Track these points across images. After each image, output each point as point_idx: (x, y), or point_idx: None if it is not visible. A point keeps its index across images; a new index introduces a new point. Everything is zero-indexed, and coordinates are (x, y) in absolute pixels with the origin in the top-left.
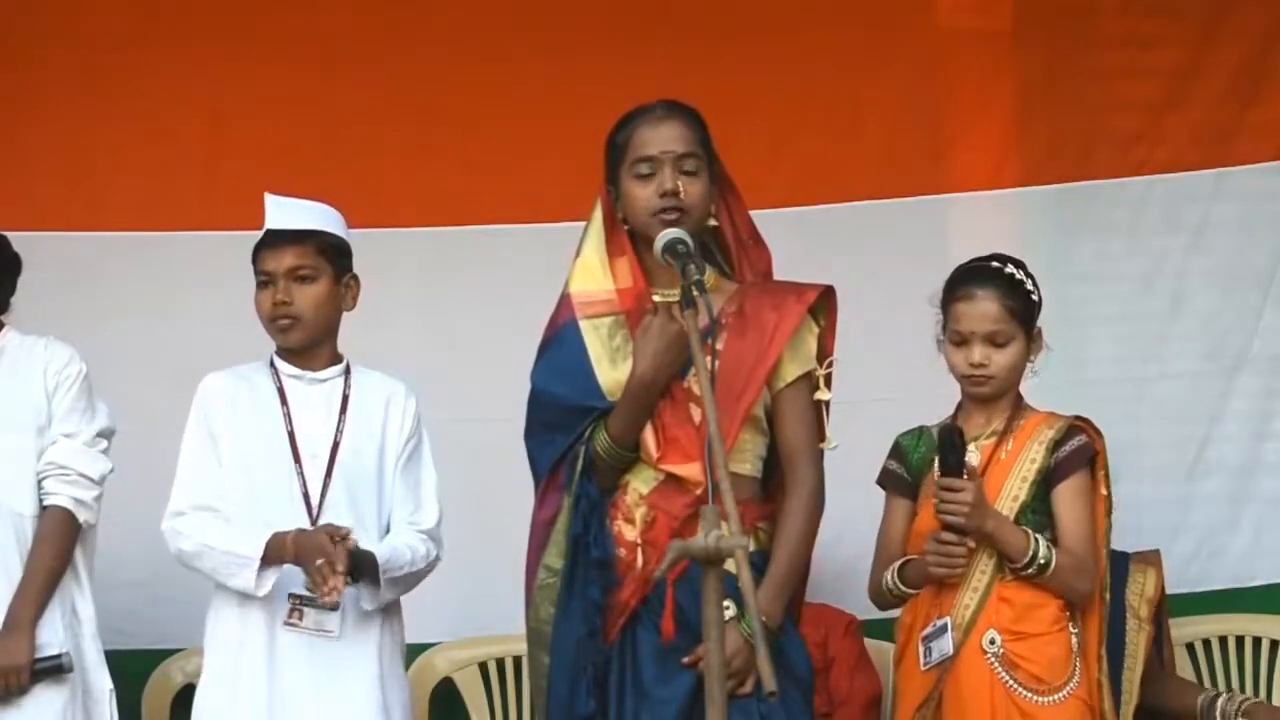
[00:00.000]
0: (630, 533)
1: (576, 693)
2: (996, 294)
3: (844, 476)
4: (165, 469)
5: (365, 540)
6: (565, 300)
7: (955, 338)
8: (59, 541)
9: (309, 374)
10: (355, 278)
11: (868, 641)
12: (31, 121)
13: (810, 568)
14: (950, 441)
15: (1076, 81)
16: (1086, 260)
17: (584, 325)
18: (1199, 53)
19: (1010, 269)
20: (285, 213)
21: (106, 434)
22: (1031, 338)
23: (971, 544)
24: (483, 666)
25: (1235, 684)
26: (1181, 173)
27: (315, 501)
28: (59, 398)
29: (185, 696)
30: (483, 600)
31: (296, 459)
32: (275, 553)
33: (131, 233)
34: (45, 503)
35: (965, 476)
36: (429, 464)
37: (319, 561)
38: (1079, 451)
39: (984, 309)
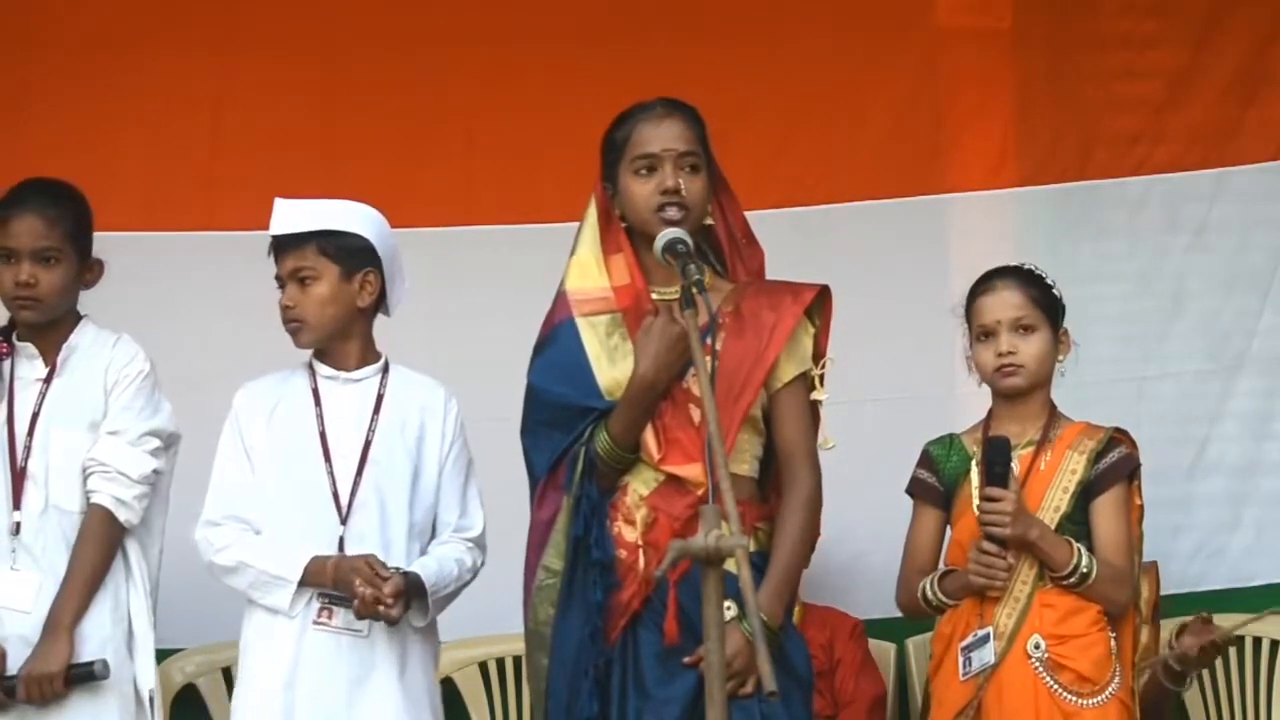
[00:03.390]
0: (631, 534)
1: (577, 695)
2: (1017, 283)
3: (844, 477)
4: (161, 467)
5: (394, 548)
6: (561, 298)
7: (981, 332)
8: (99, 541)
9: (343, 374)
10: (374, 272)
11: (871, 642)
12: (31, 121)
13: (809, 567)
14: (998, 452)
15: (1076, 81)
16: (1086, 260)
17: (580, 323)
18: (1199, 53)
19: (1029, 267)
20: (285, 217)
21: (160, 434)
22: (1058, 336)
23: (1013, 559)
24: (483, 666)
25: (1235, 684)
26: (1181, 173)
27: (345, 501)
28: (115, 395)
29: (185, 696)
30: (483, 600)
31: (327, 458)
32: (314, 577)
33: (131, 233)
34: (90, 500)
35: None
36: (473, 468)
37: (366, 591)
38: (1120, 464)
39: (1006, 297)
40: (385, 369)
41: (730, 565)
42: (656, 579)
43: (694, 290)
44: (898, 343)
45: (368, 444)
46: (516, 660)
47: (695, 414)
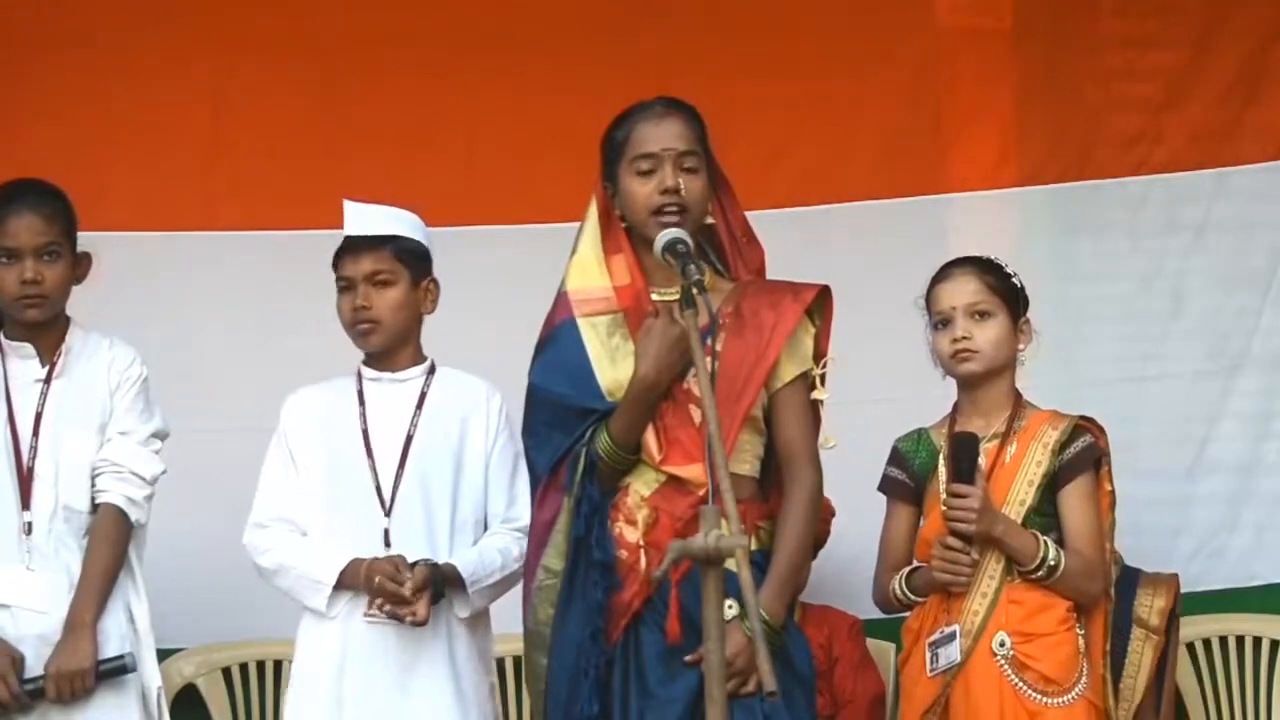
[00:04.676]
0: (632, 534)
1: (577, 695)
2: (973, 270)
3: (844, 477)
4: (167, 468)
5: (439, 540)
6: (562, 298)
7: (939, 320)
8: (114, 540)
9: (388, 375)
10: (434, 281)
11: (870, 642)
12: (31, 121)
13: (811, 568)
14: (965, 449)
15: (1076, 81)
16: (1086, 260)
17: (581, 324)
18: (1199, 53)
19: (989, 257)
20: (362, 219)
21: (161, 436)
22: (1018, 324)
23: (976, 555)
24: None
25: (1235, 684)
26: (1181, 173)
27: (388, 496)
28: (119, 396)
29: (186, 696)
30: None
31: (370, 455)
32: (351, 579)
33: (131, 233)
34: (98, 500)
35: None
36: (520, 459)
37: (378, 602)
38: (1085, 453)
39: (961, 284)
40: (431, 370)
41: (731, 565)
42: (656, 579)
43: (694, 290)
44: (897, 342)
45: (409, 439)
46: (516, 660)
47: (696, 414)
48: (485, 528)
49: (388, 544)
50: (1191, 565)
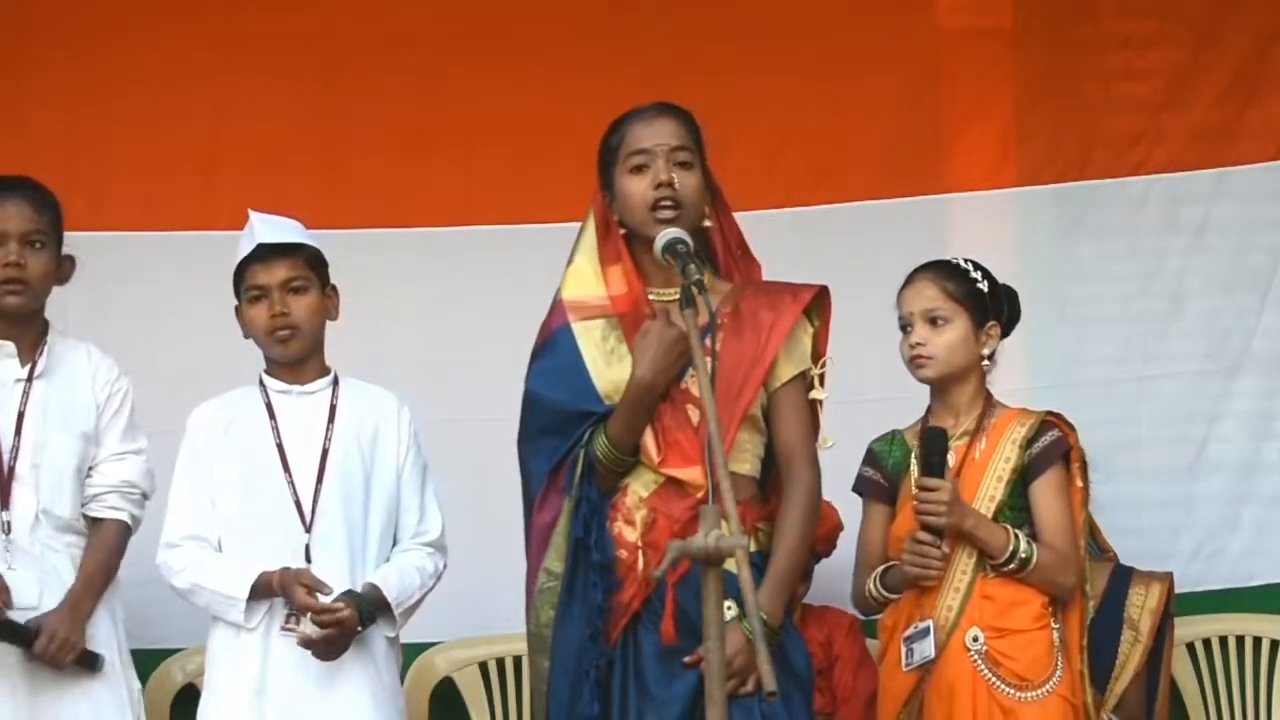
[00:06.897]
0: (631, 535)
1: (579, 696)
2: (933, 276)
3: (843, 476)
4: (164, 469)
5: (358, 554)
6: (558, 306)
7: (901, 325)
8: (116, 550)
9: (297, 388)
10: (335, 288)
11: (869, 641)
12: (31, 121)
13: (813, 576)
14: (934, 443)
15: (1076, 81)
16: (1086, 260)
17: (577, 328)
18: (1199, 53)
19: (956, 260)
20: (272, 227)
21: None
22: (983, 329)
23: (947, 548)
24: (483, 666)
25: (1235, 684)
26: (1181, 173)
27: (307, 510)
28: (111, 410)
29: (185, 696)
30: (483, 600)
31: (287, 470)
32: (264, 590)
33: (131, 233)
34: (109, 515)
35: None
36: (428, 473)
37: (305, 619)
38: (1053, 447)
39: (919, 289)
40: (335, 381)
41: (730, 565)
42: (655, 579)
43: (694, 290)
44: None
45: (325, 453)
46: (516, 660)
47: (694, 415)
48: (394, 540)
49: (309, 559)
50: (1191, 565)
